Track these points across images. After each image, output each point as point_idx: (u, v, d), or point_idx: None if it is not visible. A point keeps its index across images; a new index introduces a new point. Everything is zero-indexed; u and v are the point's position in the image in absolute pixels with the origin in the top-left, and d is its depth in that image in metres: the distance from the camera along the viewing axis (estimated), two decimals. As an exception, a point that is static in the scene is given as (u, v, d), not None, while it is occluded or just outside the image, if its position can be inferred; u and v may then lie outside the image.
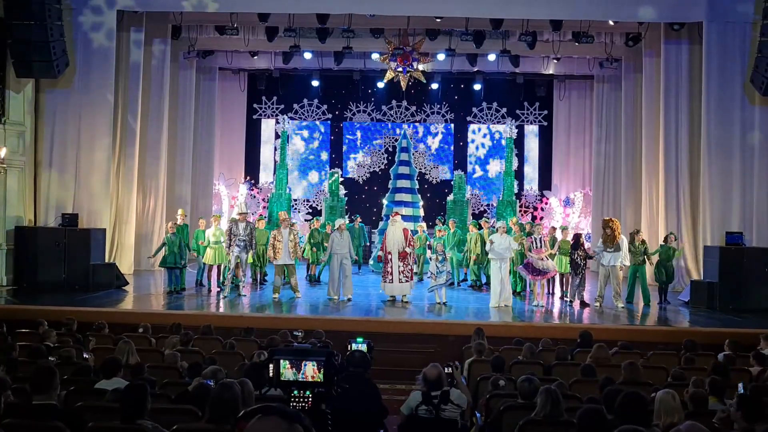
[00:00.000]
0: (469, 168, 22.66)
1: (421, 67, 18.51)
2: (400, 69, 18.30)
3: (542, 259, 12.88)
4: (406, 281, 12.94)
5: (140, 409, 4.43)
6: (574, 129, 22.28)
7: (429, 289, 13.20)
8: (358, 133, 22.95)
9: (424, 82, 19.81)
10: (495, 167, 22.67)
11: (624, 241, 12.86)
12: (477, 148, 22.98)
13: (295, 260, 13.75)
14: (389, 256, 12.91)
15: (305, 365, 3.31)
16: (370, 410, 4.65)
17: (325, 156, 23.07)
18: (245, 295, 13.45)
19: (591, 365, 7.17)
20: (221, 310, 12.34)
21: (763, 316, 12.49)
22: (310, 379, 3.30)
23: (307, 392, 3.31)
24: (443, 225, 16.82)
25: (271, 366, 3.40)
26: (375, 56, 19.23)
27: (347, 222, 16.19)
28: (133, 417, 4.39)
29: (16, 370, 6.34)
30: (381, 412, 5.24)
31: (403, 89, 20.15)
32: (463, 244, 15.69)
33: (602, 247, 12.88)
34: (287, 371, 3.32)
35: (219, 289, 13.93)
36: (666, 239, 13.87)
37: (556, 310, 12.99)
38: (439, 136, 22.92)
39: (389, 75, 18.64)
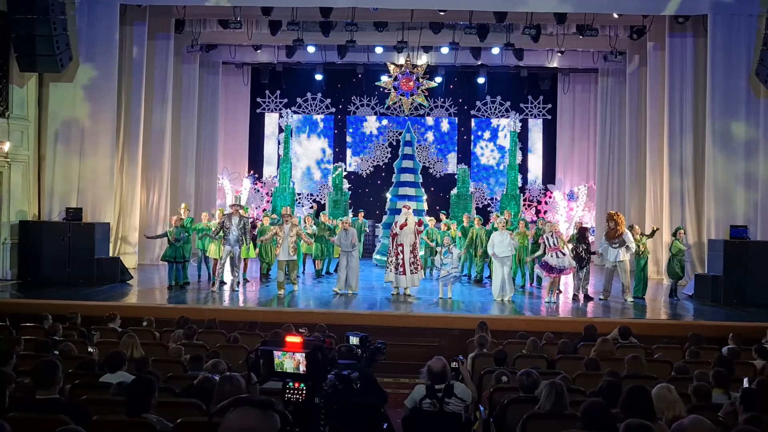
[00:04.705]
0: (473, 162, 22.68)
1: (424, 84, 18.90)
2: (402, 94, 18.58)
3: (558, 256, 12.75)
4: (415, 272, 12.97)
5: (146, 404, 4.44)
6: (578, 122, 22.23)
7: (439, 279, 13.16)
8: (362, 127, 22.96)
9: (426, 106, 20.04)
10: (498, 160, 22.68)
11: (628, 234, 12.84)
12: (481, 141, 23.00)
13: (299, 255, 13.73)
14: (400, 248, 12.92)
15: (298, 357, 3.28)
16: (365, 404, 4.64)
17: (328, 150, 23.08)
18: (237, 290, 13.41)
19: (595, 359, 7.16)
20: (225, 304, 12.34)
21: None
22: (301, 372, 3.28)
23: (302, 384, 3.28)
24: (447, 219, 16.82)
25: (261, 359, 3.38)
26: (379, 50, 19.26)
27: (351, 217, 16.21)
28: (139, 411, 4.40)
29: (12, 363, 6.31)
30: (378, 405, 5.22)
31: (406, 113, 20.38)
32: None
33: (607, 243, 12.85)
34: (285, 361, 3.29)
35: (219, 283, 13.88)
36: (676, 234, 13.76)
37: (560, 305, 12.96)
38: (443, 130, 22.91)
39: (392, 98, 18.91)
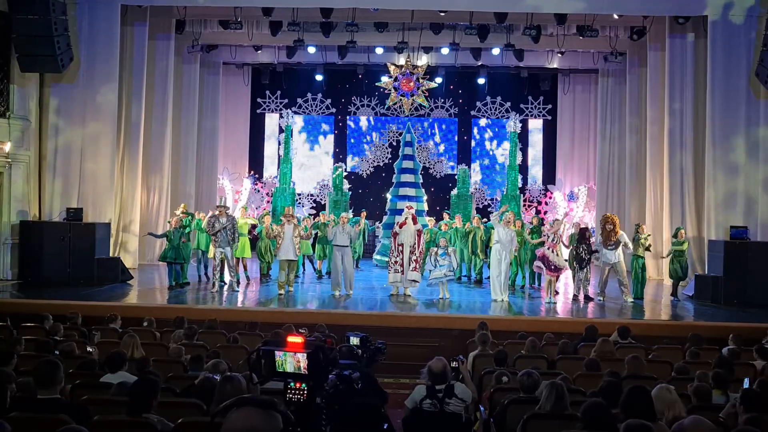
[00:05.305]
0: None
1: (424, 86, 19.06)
2: (403, 94, 18.65)
3: (557, 254, 12.82)
4: (416, 270, 12.96)
5: (148, 404, 4.45)
6: (579, 123, 22.24)
7: (429, 283, 13.17)
8: (362, 127, 22.97)
9: (427, 106, 20.15)
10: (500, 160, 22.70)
11: (624, 236, 12.88)
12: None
13: (300, 256, 13.73)
14: (400, 248, 12.91)
15: (299, 357, 3.29)
16: (366, 404, 4.65)
17: (329, 150, 23.08)
18: (237, 290, 13.44)
19: (595, 359, 7.17)
20: (225, 304, 12.35)
21: (768, 311, 12.47)
22: (302, 372, 3.28)
23: (303, 384, 3.28)
24: (449, 218, 16.81)
25: (262, 359, 3.38)
26: (379, 51, 19.28)
27: (351, 216, 16.19)
28: (140, 411, 4.41)
29: (13, 362, 6.31)
30: (379, 405, 5.22)
31: (406, 113, 20.44)
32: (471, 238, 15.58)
33: (602, 246, 12.88)
34: (287, 361, 3.29)
35: (221, 284, 13.88)
36: (677, 234, 13.78)
37: (560, 305, 12.98)
38: (443, 131, 22.93)
39: (393, 98, 19.00)
